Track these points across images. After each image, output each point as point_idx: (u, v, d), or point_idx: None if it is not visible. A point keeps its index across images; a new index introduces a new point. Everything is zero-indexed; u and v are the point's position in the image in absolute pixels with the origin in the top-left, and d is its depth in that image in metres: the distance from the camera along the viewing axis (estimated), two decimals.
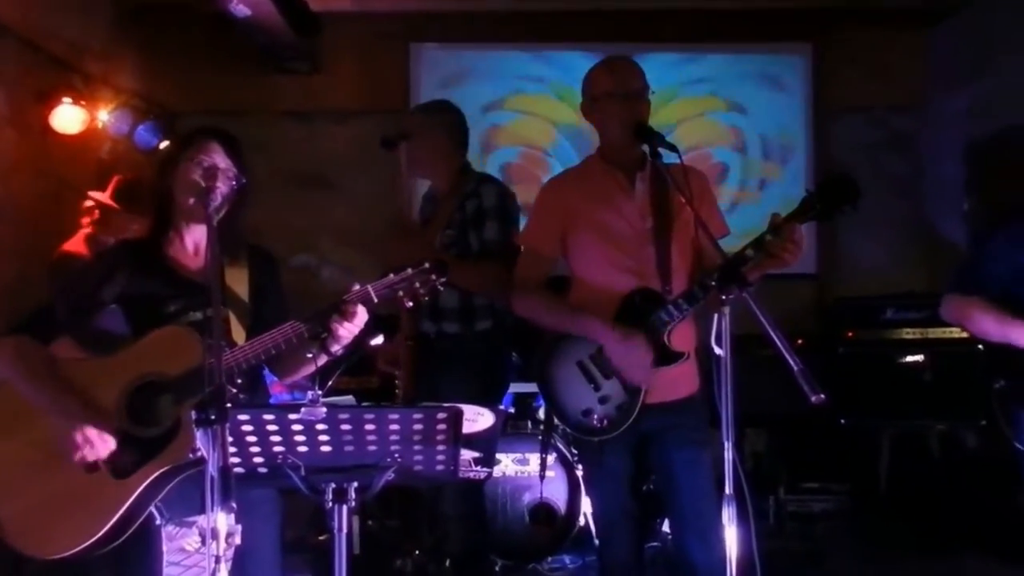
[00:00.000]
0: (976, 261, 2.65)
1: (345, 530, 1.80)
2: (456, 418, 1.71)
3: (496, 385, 3.08)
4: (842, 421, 4.75)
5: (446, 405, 1.70)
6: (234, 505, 1.45)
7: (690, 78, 5.55)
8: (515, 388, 4.26)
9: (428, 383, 2.88)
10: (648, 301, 2.35)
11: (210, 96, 5.20)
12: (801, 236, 2.19)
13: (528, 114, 5.51)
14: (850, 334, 4.78)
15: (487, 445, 1.86)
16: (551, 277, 2.57)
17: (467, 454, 1.85)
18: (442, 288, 2.01)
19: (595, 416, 2.36)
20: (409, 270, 1.96)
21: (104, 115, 4.35)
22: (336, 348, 2.00)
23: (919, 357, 4.60)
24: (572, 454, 3.97)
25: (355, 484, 1.79)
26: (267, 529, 1.99)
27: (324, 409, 1.65)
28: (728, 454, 2.02)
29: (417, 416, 1.72)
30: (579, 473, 3.89)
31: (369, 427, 1.73)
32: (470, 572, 3.03)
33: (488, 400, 2.10)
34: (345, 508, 1.79)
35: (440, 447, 1.78)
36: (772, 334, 1.88)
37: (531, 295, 2.50)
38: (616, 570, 2.52)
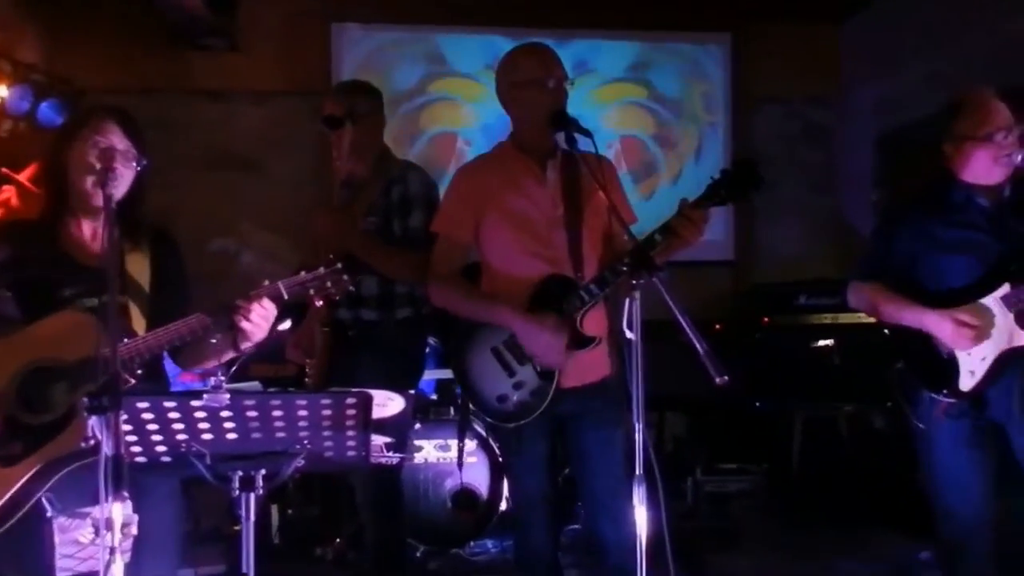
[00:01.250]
0: (878, 249, 2.71)
1: (253, 518, 1.77)
2: (365, 403, 1.69)
3: (412, 373, 3.07)
4: (757, 404, 4.88)
5: (355, 390, 1.68)
6: (126, 495, 1.40)
7: (613, 64, 5.60)
8: (438, 375, 4.26)
9: (343, 371, 2.82)
10: (561, 287, 2.37)
11: (120, 72, 5.01)
12: (701, 217, 2.24)
13: (450, 97, 5.47)
14: (765, 319, 4.91)
15: (399, 430, 1.85)
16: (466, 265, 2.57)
17: (379, 439, 1.84)
18: (352, 289, 1.99)
19: (510, 402, 2.37)
20: (322, 269, 1.94)
21: (2, 91, 4.14)
22: (245, 345, 1.96)
23: (830, 341, 4.75)
24: (494, 439, 3.99)
25: (263, 472, 1.76)
26: (163, 517, 1.93)
27: (228, 396, 1.62)
28: (639, 436, 2.04)
29: (325, 402, 1.70)
30: (500, 458, 3.91)
31: (276, 413, 1.71)
32: (387, 560, 3.01)
33: (404, 388, 2.08)
34: (252, 496, 1.76)
35: (350, 433, 1.76)
36: (679, 318, 1.92)
37: (447, 284, 2.50)
38: (533, 554, 2.54)
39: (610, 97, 5.59)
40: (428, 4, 5.33)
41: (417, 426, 3.88)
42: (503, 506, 3.89)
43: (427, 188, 2.96)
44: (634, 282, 2.03)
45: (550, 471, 2.51)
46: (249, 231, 5.24)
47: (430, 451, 3.91)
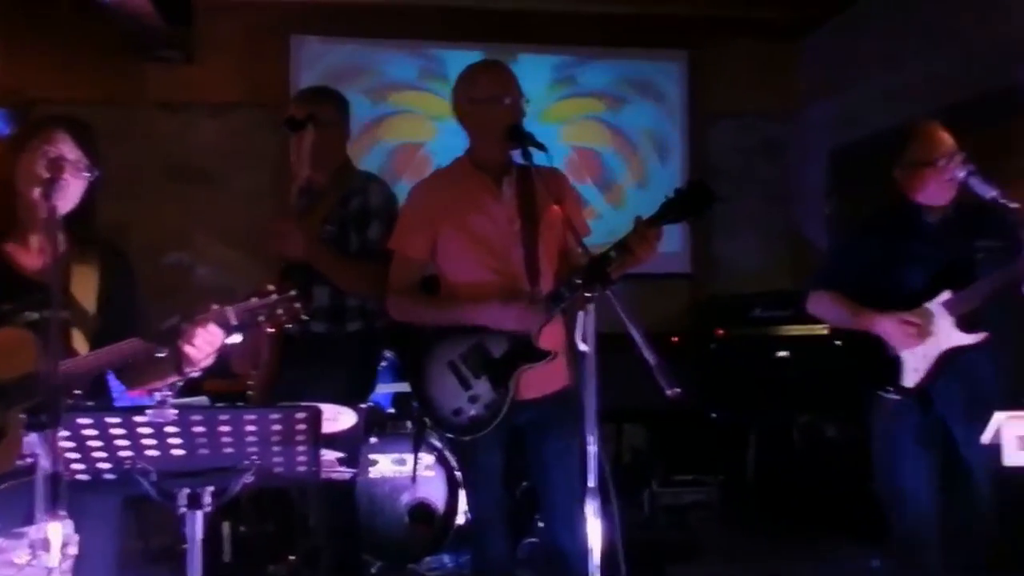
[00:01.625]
0: (837, 261, 2.97)
1: (201, 537, 1.74)
2: (315, 418, 1.68)
3: (364, 387, 3.03)
4: (714, 415, 4.93)
5: (304, 404, 1.66)
6: (64, 514, 1.37)
7: (570, 80, 5.65)
8: (394, 388, 4.24)
9: (290, 385, 2.77)
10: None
11: (75, 84, 4.93)
12: (654, 235, 2.30)
13: (409, 110, 5.48)
14: (721, 331, 4.97)
15: (350, 445, 1.83)
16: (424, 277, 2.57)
17: (330, 454, 1.82)
18: (306, 318, 1.96)
19: (465, 415, 2.39)
20: (273, 296, 1.89)
21: None
22: (188, 369, 1.92)
23: (785, 353, 4.82)
24: (451, 452, 3.98)
25: (210, 489, 1.73)
26: (102, 537, 1.89)
27: (174, 411, 1.59)
28: (591, 448, 2.05)
29: (275, 416, 1.68)
30: (457, 473, 3.90)
31: (224, 428, 1.68)
32: None
33: (354, 402, 2.06)
34: (200, 514, 1.73)
35: (300, 448, 1.74)
36: (632, 330, 1.93)
37: (405, 297, 2.53)
38: (490, 566, 2.54)
39: (567, 112, 5.63)
40: (388, 18, 5.33)
41: (373, 440, 3.85)
42: (460, 520, 3.87)
43: (387, 201, 2.94)
44: (588, 295, 2.06)
45: (506, 483, 2.54)
46: (204, 244, 5.19)
47: (386, 465, 3.88)
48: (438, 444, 3.93)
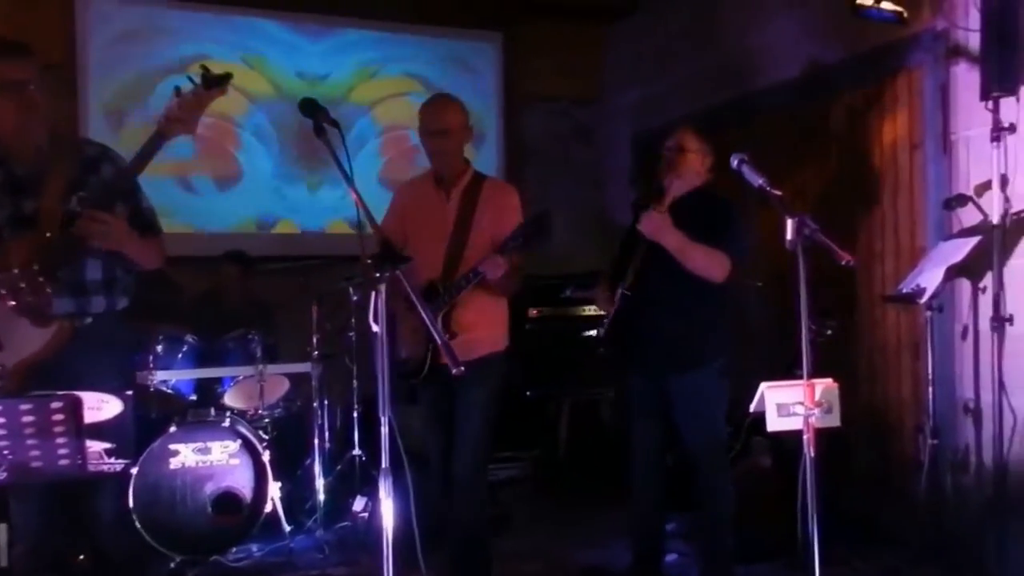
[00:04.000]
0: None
1: None
2: (74, 407, 1.57)
3: (131, 371, 3.06)
4: (528, 393, 5.07)
5: (60, 393, 1.55)
6: None
7: (387, 57, 5.58)
8: (197, 374, 4.04)
9: (59, 369, 2.50)
10: (432, 290, 2.92)
11: None
12: (502, 260, 2.80)
13: None
14: (534, 311, 5.10)
15: (119, 434, 1.72)
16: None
17: (96, 445, 1.71)
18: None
19: (408, 363, 2.97)
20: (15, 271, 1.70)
21: None
22: None
23: (593, 332, 5.02)
24: (260, 439, 3.85)
25: None
26: None
27: None
28: (384, 429, 2.05)
29: (26, 407, 1.56)
30: (265, 458, 3.78)
31: None
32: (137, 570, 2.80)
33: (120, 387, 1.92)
34: None
35: (60, 440, 1.62)
36: (421, 311, 1.94)
37: None
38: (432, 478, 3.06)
39: (381, 91, 5.56)
40: None
41: (173, 429, 3.66)
42: (268, 508, 3.76)
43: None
44: (378, 275, 2.04)
45: (444, 418, 3.02)
46: None
47: (187, 455, 3.69)
48: (244, 431, 3.79)
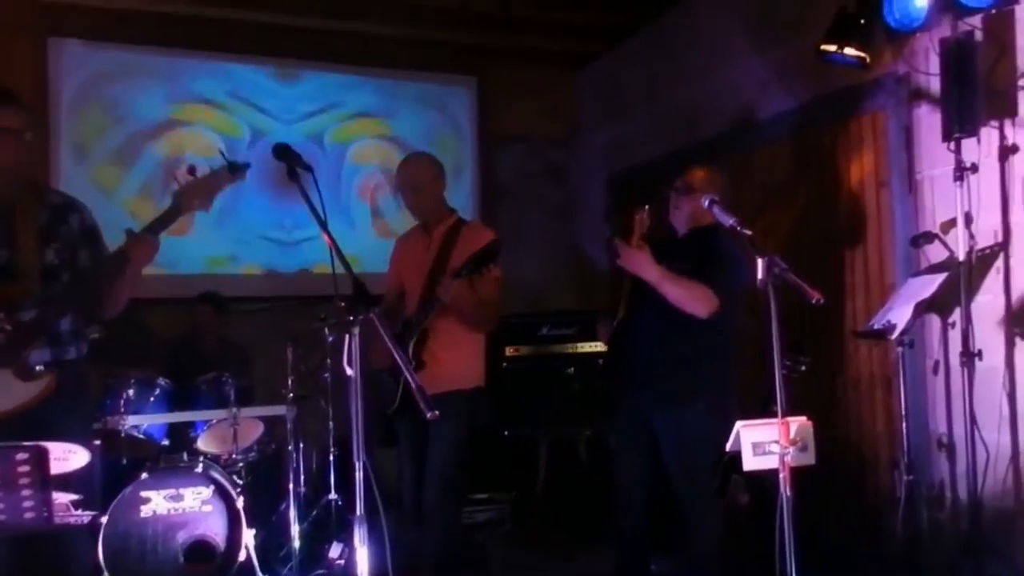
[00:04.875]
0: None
1: None
2: (40, 458, 1.54)
3: (92, 421, 3.08)
4: (506, 433, 5.04)
5: (26, 444, 1.51)
6: None
7: (361, 100, 5.62)
8: (170, 418, 3.98)
9: (35, 418, 2.48)
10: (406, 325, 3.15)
11: None
12: (452, 286, 2.95)
13: (188, 124, 5.21)
14: (511, 350, 5.09)
15: (86, 485, 1.69)
16: None
17: (63, 497, 1.67)
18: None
19: (388, 395, 3.08)
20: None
21: None
22: None
23: (570, 369, 5.01)
24: (234, 485, 3.78)
25: None
26: None
27: None
28: (359, 474, 2.03)
29: None
30: (239, 504, 3.72)
31: None
32: None
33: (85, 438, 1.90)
34: None
35: (25, 492, 1.58)
36: (395, 353, 1.93)
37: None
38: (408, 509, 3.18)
39: (354, 133, 5.59)
40: (165, 26, 5.03)
41: (144, 475, 3.59)
42: (241, 556, 3.69)
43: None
44: (352, 318, 2.04)
45: (416, 447, 3.14)
46: None
47: (159, 502, 3.62)
48: (217, 476, 3.72)
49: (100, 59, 4.99)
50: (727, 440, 2.34)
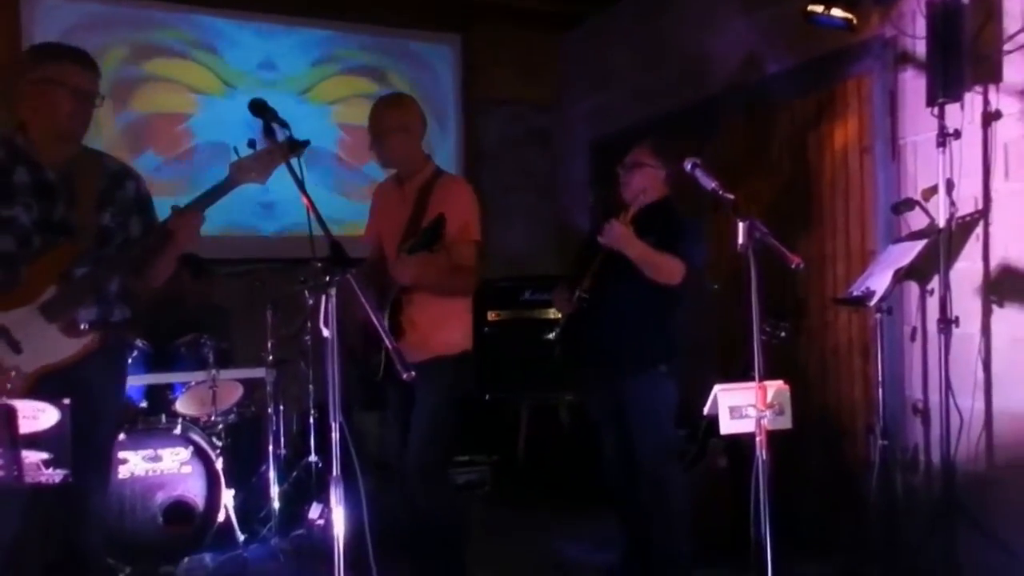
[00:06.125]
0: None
1: None
2: (8, 417, 1.52)
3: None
4: (487, 397, 5.05)
5: None
6: None
7: (345, 57, 5.53)
8: (147, 380, 3.96)
9: (75, 377, 2.43)
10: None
11: None
12: (410, 260, 2.81)
13: (164, 78, 5.12)
14: (492, 315, 5.09)
15: (57, 444, 1.67)
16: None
17: (33, 456, 1.65)
18: None
19: (373, 364, 2.96)
20: None
21: None
22: None
23: (551, 335, 5.00)
24: (213, 446, 3.78)
25: None
26: None
27: None
28: (335, 435, 2.02)
29: None
30: (218, 465, 3.72)
31: None
32: None
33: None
34: None
35: None
36: (371, 315, 1.91)
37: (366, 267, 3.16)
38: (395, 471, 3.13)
39: (340, 91, 5.50)
40: None
41: (122, 436, 3.57)
42: (221, 517, 3.70)
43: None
44: (328, 279, 2.01)
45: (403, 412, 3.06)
46: None
47: (137, 463, 3.62)
48: (196, 438, 3.72)
49: (74, 12, 4.87)
50: (696, 401, 2.37)
